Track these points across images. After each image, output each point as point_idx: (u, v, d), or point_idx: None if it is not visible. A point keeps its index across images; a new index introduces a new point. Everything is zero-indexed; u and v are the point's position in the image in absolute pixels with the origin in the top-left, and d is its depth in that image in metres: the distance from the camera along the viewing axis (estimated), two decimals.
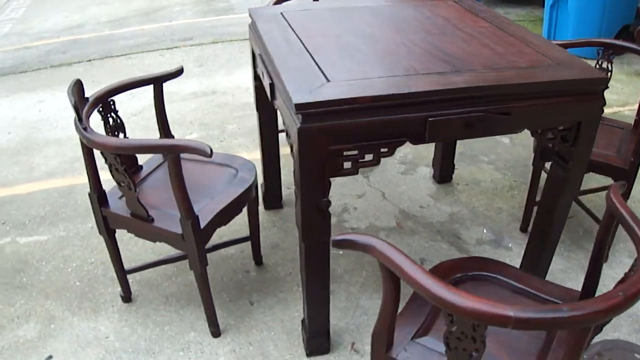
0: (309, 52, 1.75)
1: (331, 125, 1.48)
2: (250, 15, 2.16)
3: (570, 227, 2.54)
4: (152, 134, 3.34)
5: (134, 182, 1.73)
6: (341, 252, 2.45)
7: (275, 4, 2.76)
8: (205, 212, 1.86)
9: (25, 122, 3.61)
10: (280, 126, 2.28)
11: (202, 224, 1.81)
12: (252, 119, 3.48)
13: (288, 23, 2.02)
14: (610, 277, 2.27)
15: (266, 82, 1.84)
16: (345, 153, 1.55)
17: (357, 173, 1.60)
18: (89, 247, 2.50)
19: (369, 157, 1.58)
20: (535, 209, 2.50)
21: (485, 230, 2.56)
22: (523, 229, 2.54)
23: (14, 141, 3.40)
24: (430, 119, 1.54)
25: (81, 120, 1.70)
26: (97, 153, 1.82)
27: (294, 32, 1.92)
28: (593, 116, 1.69)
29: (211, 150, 1.56)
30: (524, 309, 1.04)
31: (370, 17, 2.09)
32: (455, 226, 2.60)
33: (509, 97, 1.59)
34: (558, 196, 1.86)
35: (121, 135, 1.99)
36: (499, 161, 3.08)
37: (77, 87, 1.73)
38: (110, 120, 1.92)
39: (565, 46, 2.27)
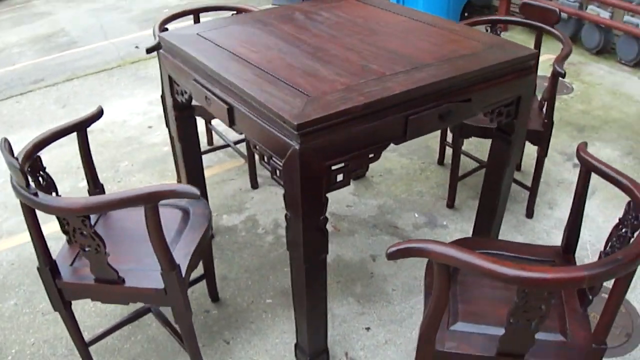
0: (263, 69, 1.67)
1: (327, 141, 1.45)
2: (163, 39, 1.99)
3: None
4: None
5: (104, 243, 1.50)
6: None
7: (161, 31, 2.58)
8: (178, 259, 1.68)
9: None
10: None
11: (183, 272, 1.64)
12: (142, 153, 3.23)
13: (216, 43, 1.90)
14: (541, 230, 2.54)
15: (217, 107, 1.72)
16: (335, 166, 1.52)
17: (349, 184, 1.58)
18: (21, 327, 2.13)
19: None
20: (457, 185, 2.71)
21: (416, 215, 2.69)
22: (450, 206, 2.72)
23: None
24: (410, 118, 1.58)
25: (28, 185, 1.43)
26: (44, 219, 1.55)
27: (230, 50, 1.82)
28: (529, 89, 1.87)
29: (200, 192, 1.43)
30: (592, 266, 1.14)
31: (289, 27, 2.06)
32: (387, 217, 2.69)
33: (468, 84, 1.69)
34: (504, 166, 2.03)
35: (53, 194, 1.71)
36: (401, 147, 3.25)
37: (9, 146, 1.45)
38: (41, 179, 1.64)
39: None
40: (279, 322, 2.13)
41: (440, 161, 3.04)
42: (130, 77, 4.19)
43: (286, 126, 1.41)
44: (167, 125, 2.72)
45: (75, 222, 1.45)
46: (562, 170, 2.96)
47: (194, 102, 2.04)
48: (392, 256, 1.22)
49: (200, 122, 2.52)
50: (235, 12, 2.81)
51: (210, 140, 3.23)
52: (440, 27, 2.03)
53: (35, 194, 1.43)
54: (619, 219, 1.49)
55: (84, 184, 2.96)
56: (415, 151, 3.20)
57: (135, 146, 3.29)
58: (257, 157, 1.62)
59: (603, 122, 3.41)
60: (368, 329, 2.10)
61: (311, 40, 1.92)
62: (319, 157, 1.45)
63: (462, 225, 2.60)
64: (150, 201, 1.42)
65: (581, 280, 1.13)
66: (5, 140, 1.49)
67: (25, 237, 2.64)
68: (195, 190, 1.42)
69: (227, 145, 2.97)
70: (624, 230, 1.46)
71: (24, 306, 2.25)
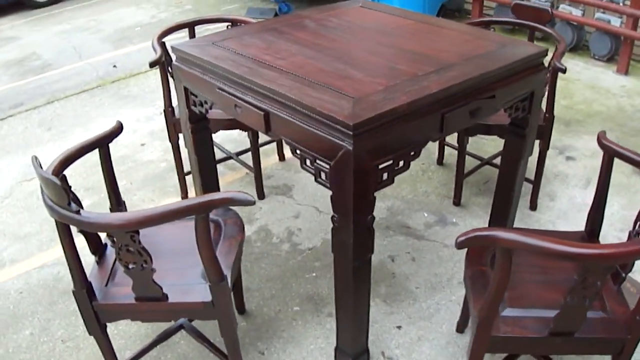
0: (297, 74, 1.69)
1: (377, 140, 1.48)
2: (178, 50, 1.98)
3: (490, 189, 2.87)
4: (39, 213, 2.84)
5: (151, 258, 1.48)
6: (314, 275, 2.40)
7: (160, 45, 2.57)
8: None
9: None
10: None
11: (229, 283, 1.64)
12: (138, 171, 3.18)
13: (237, 52, 1.91)
14: (546, 221, 2.64)
15: (250, 114, 1.72)
16: (382, 165, 1.55)
17: (393, 182, 1.61)
18: (41, 357, 2.06)
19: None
20: (463, 183, 2.78)
21: (425, 214, 2.75)
22: (456, 203, 2.79)
23: None
24: (445, 115, 1.63)
25: (70, 203, 1.40)
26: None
27: (255, 58, 1.83)
28: (541, 84, 1.95)
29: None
30: None
31: (303, 34, 2.08)
32: (398, 218, 2.73)
33: (493, 81, 1.76)
34: (518, 160, 2.10)
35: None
36: None
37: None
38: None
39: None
40: (310, 328, 2.13)
41: (440, 161, 3.12)
42: (113, 97, 4.11)
43: (339, 127, 1.43)
44: (170, 140, 2.70)
45: (124, 238, 1.42)
46: (556, 163, 3.07)
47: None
48: (462, 245, 1.26)
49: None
50: (230, 24, 2.82)
51: None
52: (449, 28, 2.10)
53: (78, 212, 1.40)
54: None
55: (84, 203, 2.90)
56: None
57: (131, 164, 3.24)
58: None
59: (586, 115, 3.56)
60: (399, 327, 2.12)
61: (331, 45, 1.95)
62: (369, 156, 1.47)
63: (472, 222, 2.66)
64: (203, 211, 1.41)
65: (630, 254, 1.20)
66: (36, 158, 1.45)
67: (31, 263, 2.56)
68: (249, 196, 1.42)
69: (228, 158, 2.95)
70: None
71: (41, 335, 2.18)
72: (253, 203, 1.42)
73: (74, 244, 1.55)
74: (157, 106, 3.87)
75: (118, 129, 1.86)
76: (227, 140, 3.33)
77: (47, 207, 1.45)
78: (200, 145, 2.22)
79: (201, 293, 1.61)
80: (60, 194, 1.38)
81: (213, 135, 3.03)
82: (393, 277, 2.37)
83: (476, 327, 1.47)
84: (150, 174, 3.15)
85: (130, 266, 1.50)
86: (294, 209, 2.83)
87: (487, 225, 2.42)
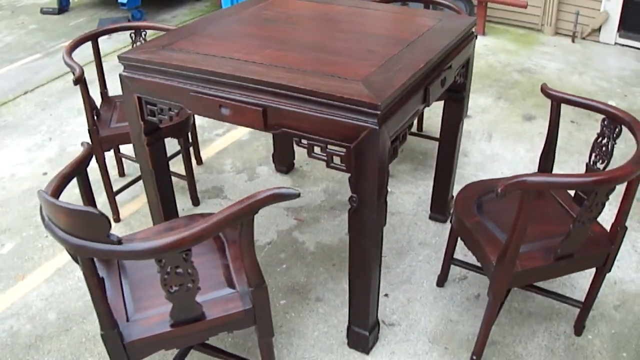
0: (285, 67, 1.69)
1: (392, 117, 1.56)
2: (130, 58, 1.84)
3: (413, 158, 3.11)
4: None
5: (197, 275, 1.40)
6: (285, 266, 2.41)
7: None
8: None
9: None
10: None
11: None
12: None
13: (202, 53, 1.83)
14: (470, 174, 2.95)
15: (242, 112, 1.67)
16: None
17: (397, 155, 1.71)
18: None
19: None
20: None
21: None
22: None
23: None
24: (429, 87, 1.77)
25: (110, 234, 1.26)
26: None
27: (227, 56, 1.78)
28: (472, 51, 2.20)
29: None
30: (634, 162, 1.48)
31: (251, 29, 2.06)
32: (337, 198, 2.84)
33: (450, 54, 1.94)
34: (458, 122, 2.34)
35: None
36: None
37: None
38: None
39: None
40: (304, 317, 2.16)
41: None
42: None
43: (363, 109, 1.48)
44: (97, 160, 2.46)
45: (175, 260, 1.33)
46: None
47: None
48: (506, 191, 1.42)
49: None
50: (132, 31, 2.64)
51: (121, 172, 2.98)
52: (380, 10, 2.25)
53: (120, 242, 1.28)
54: (597, 134, 1.88)
55: (5, 248, 2.53)
56: None
57: (36, 200, 2.87)
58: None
59: None
60: (387, 295, 2.25)
61: (288, 37, 1.97)
62: (388, 132, 1.55)
63: (405, 188, 2.87)
64: (253, 213, 1.37)
65: (632, 173, 1.47)
66: (44, 191, 1.28)
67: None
68: (293, 190, 1.41)
69: None
70: (604, 141, 1.86)
71: None
72: (299, 195, 1.42)
73: (102, 283, 1.39)
74: (43, 132, 3.49)
75: (89, 150, 1.67)
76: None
77: (72, 245, 1.28)
78: (156, 158, 2.08)
79: (239, 301, 1.56)
80: (100, 225, 1.24)
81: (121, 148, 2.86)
82: None
83: (499, 267, 1.65)
84: (71, 201, 2.81)
85: (173, 289, 1.40)
86: None
87: (422, 188, 2.64)
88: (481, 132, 3.31)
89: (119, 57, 1.89)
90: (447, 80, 1.94)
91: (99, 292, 1.38)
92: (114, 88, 2.50)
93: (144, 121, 1.96)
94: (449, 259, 2.17)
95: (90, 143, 2.44)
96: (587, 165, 1.93)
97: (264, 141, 3.33)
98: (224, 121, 1.76)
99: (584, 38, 4.68)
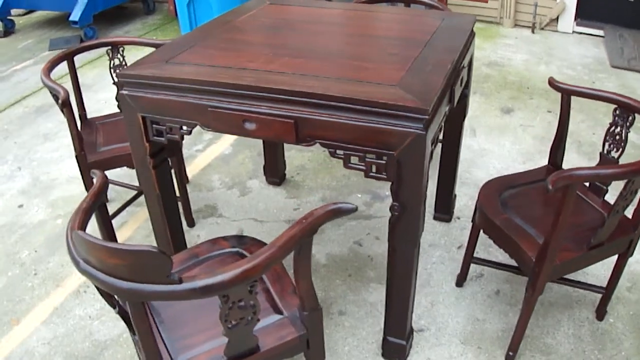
0: (313, 75, 1.62)
1: (434, 121, 1.52)
2: (132, 75, 1.71)
3: None
4: None
5: (259, 304, 1.30)
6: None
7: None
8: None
9: None
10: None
11: None
12: (35, 235, 2.62)
13: (207, 64, 1.73)
14: (464, 171, 2.95)
15: (270, 126, 1.59)
16: None
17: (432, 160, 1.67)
18: None
19: None
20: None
21: (359, 195, 2.85)
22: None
23: None
24: (454, 87, 1.75)
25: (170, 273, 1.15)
26: None
27: (241, 67, 1.69)
28: (473, 49, 2.20)
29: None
30: None
31: (253, 37, 1.98)
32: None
33: (465, 49, 1.92)
34: (460, 122, 2.34)
35: None
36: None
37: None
38: None
39: None
40: (332, 332, 2.08)
41: None
42: None
43: (409, 114, 1.44)
44: (86, 187, 2.29)
45: (239, 293, 1.23)
46: None
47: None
48: (557, 185, 1.42)
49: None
50: (109, 47, 2.48)
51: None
52: (377, 11, 2.22)
53: (180, 281, 1.16)
54: (610, 124, 1.92)
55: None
56: None
57: (22, 231, 2.64)
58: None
59: None
60: None
61: (298, 43, 1.91)
62: (430, 137, 1.51)
63: None
64: (313, 232, 1.30)
65: None
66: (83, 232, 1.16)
67: None
68: (351, 204, 1.34)
69: (140, 194, 2.62)
70: (617, 130, 1.89)
71: None
72: (357, 209, 1.35)
73: (152, 327, 1.27)
74: (10, 162, 3.23)
75: (104, 179, 1.54)
76: (124, 174, 2.95)
77: (123, 290, 1.16)
78: (162, 181, 1.95)
79: (291, 327, 1.47)
80: (161, 265, 1.13)
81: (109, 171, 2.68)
82: (371, 260, 2.43)
83: (541, 263, 1.65)
84: (52, 234, 2.61)
85: (232, 324, 1.29)
86: (233, 226, 2.66)
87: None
88: (464, 128, 3.33)
89: (117, 74, 1.76)
90: (464, 79, 1.92)
91: (152, 339, 1.26)
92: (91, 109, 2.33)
93: (149, 142, 1.84)
94: (470, 258, 2.16)
95: (80, 169, 2.30)
96: (600, 154, 1.96)
97: (248, 154, 3.23)
98: (248, 136, 1.67)
99: (542, 28, 4.85)
